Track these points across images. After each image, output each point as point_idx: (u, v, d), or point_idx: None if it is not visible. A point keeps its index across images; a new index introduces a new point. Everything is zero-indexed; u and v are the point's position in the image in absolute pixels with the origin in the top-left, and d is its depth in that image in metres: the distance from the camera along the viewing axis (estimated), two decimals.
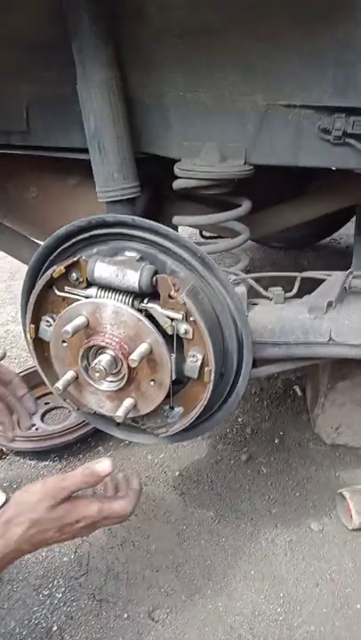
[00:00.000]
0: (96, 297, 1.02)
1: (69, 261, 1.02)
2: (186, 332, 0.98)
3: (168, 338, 1.00)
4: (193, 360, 0.99)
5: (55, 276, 1.02)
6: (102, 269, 0.98)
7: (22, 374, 2.05)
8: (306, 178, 2.10)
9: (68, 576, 1.37)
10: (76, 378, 1.06)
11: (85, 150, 1.36)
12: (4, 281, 3.30)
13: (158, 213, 1.75)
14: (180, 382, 1.09)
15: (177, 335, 0.99)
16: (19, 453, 1.79)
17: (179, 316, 0.96)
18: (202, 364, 0.99)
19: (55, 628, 1.25)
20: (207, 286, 1.00)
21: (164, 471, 1.70)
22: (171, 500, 1.59)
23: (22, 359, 2.41)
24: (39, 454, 1.79)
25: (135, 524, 1.51)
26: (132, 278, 0.96)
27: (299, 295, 1.23)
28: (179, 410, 1.08)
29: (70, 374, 1.05)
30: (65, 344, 1.05)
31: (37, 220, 1.72)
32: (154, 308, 0.98)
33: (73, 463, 1.75)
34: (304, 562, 1.39)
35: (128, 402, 1.03)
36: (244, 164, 1.23)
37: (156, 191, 1.65)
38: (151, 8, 1.10)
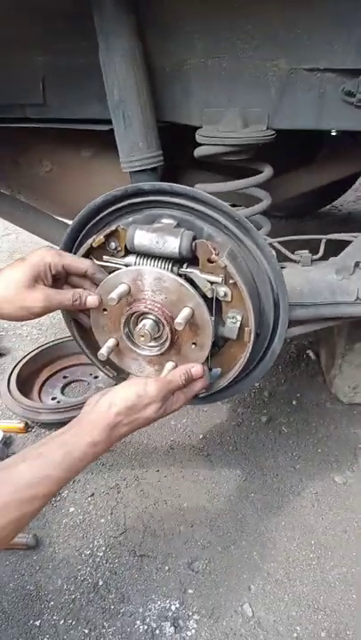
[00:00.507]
0: (135, 264, 1.04)
1: (108, 230, 1.04)
2: (225, 295, 1.02)
3: (207, 301, 1.03)
4: (233, 321, 1.03)
5: (95, 245, 1.05)
6: (142, 237, 1.00)
7: (36, 352, 2.10)
8: (315, 144, 2.11)
9: (107, 535, 1.44)
10: (117, 344, 1.10)
11: (103, 121, 1.37)
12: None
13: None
14: (214, 345, 1.14)
15: (216, 298, 1.03)
16: (44, 425, 1.84)
17: (218, 279, 1.00)
18: (241, 324, 1.03)
19: (101, 583, 1.32)
20: (244, 249, 1.03)
21: (189, 435, 1.76)
22: (197, 462, 1.65)
23: (34, 337, 2.44)
24: (64, 425, 1.83)
25: (165, 485, 1.58)
26: (173, 244, 0.98)
27: (324, 258, 1.27)
28: (217, 370, 1.12)
29: (112, 341, 1.09)
30: (105, 312, 1.08)
31: (52, 194, 1.73)
32: (194, 272, 1.01)
33: None
34: (331, 512, 1.47)
35: (169, 365, 1.07)
36: (267, 128, 1.25)
37: (171, 161, 1.65)
38: None
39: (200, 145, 1.30)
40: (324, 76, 1.16)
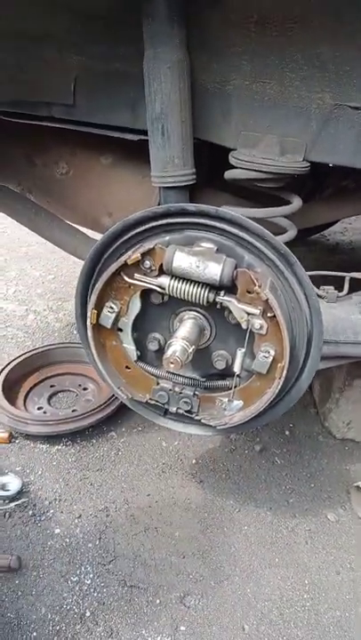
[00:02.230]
0: (169, 286, 1.00)
1: (146, 248, 0.99)
2: (260, 328, 0.98)
3: (240, 332, 1.00)
4: (265, 355, 1.00)
5: (129, 262, 1.00)
6: (182, 259, 0.96)
7: (23, 357, 2.00)
8: (320, 183, 2.13)
9: (95, 562, 1.36)
10: None
11: (131, 130, 1.32)
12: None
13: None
14: (226, 375, 1.10)
15: (250, 330, 0.99)
16: (29, 437, 1.75)
17: (256, 311, 0.97)
18: (273, 359, 1.00)
19: (88, 614, 1.24)
20: (283, 282, 1.00)
21: (180, 459, 1.71)
22: (190, 488, 1.60)
23: (19, 339, 2.34)
24: (51, 438, 1.75)
25: (156, 510, 1.52)
26: (214, 271, 0.95)
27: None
28: (238, 403, 1.09)
29: None
30: None
31: (65, 198, 1.66)
32: (231, 301, 0.97)
33: (87, 448, 1.73)
34: (324, 551, 1.45)
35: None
36: (303, 160, 1.23)
37: None
38: None
39: (231, 167, 1.27)
40: None
